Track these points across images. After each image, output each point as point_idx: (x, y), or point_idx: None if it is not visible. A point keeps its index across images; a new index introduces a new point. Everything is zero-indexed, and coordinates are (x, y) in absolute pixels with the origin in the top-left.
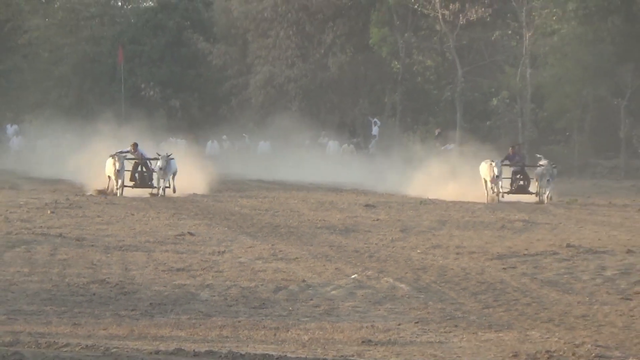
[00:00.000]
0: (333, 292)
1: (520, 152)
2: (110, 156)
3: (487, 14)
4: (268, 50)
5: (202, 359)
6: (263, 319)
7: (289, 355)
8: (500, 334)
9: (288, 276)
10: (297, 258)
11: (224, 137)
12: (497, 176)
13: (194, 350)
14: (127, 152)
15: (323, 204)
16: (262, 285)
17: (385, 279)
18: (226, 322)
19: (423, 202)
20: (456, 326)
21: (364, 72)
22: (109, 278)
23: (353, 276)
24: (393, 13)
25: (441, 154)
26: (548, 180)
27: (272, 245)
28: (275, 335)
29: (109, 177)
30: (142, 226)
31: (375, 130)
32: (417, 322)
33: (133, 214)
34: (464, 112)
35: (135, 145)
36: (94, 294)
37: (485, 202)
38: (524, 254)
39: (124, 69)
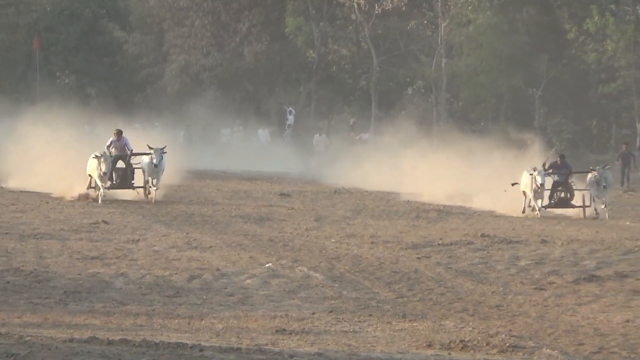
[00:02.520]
0: (247, 281)
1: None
2: (94, 156)
3: (402, 3)
4: (184, 39)
5: (116, 348)
6: (177, 308)
7: (203, 344)
8: (414, 324)
9: (202, 265)
10: (211, 247)
11: (137, 125)
12: (541, 184)
13: (108, 339)
14: (111, 143)
15: (237, 192)
16: (176, 273)
17: (299, 268)
18: (140, 310)
19: (337, 192)
20: (370, 315)
21: (279, 61)
22: (23, 266)
23: (267, 265)
24: (308, 2)
25: (356, 143)
26: (604, 187)
27: (187, 233)
28: (189, 324)
29: (90, 175)
30: (56, 214)
31: (290, 119)
32: (331, 312)
33: (48, 202)
34: (379, 102)
35: (119, 133)
36: (8, 282)
37: (523, 214)
38: (439, 244)
39: (40, 57)
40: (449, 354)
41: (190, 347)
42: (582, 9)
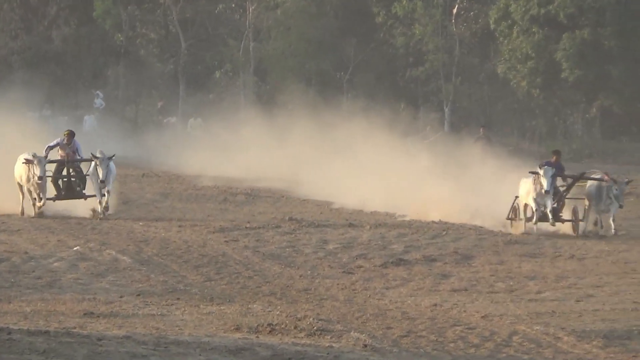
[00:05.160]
0: (55, 264)
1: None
2: (24, 160)
3: None
4: None
5: None
6: None
7: (11, 327)
8: (222, 307)
9: (10, 248)
10: (19, 230)
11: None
12: (546, 191)
13: None
14: (56, 145)
15: None
16: None
17: (107, 251)
18: None
19: (145, 175)
20: (178, 299)
21: (87, 44)
22: None
23: (75, 248)
24: None
25: (164, 126)
26: (612, 198)
27: None
28: None
29: (20, 185)
30: None
31: (98, 103)
32: (139, 295)
33: None
34: (187, 85)
35: (70, 135)
36: None
37: (516, 232)
38: (246, 227)
39: None
40: (257, 337)
41: None
42: None
